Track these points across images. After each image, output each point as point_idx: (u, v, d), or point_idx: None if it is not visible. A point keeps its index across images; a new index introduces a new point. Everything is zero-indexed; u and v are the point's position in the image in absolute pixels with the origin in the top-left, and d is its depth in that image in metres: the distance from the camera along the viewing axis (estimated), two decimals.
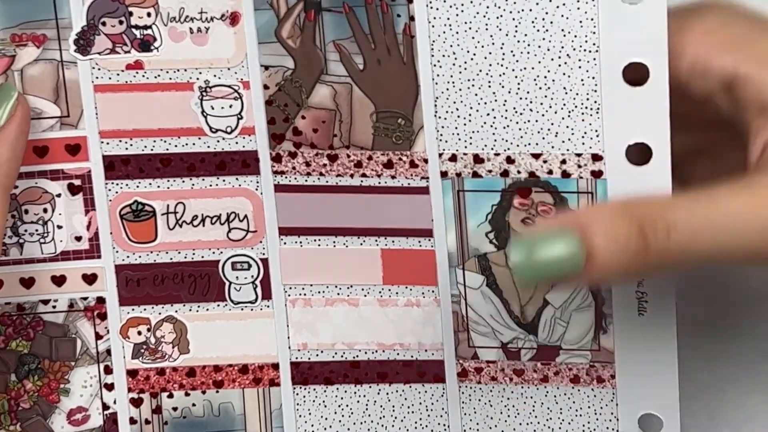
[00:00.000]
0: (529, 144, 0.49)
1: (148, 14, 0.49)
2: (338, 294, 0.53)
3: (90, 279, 0.53)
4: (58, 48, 0.50)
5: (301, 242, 0.52)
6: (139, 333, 0.53)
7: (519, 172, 0.49)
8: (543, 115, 0.48)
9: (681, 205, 0.45)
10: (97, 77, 0.50)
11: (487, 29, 0.47)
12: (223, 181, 0.51)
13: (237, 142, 0.51)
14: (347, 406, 0.54)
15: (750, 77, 0.47)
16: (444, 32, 0.48)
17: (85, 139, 0.51)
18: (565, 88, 0.48)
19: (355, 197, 0.51)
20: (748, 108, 0.47)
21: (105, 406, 0.54)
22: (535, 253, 0.44)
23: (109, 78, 0.50)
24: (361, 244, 0.52)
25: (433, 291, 0.52)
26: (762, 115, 0.47)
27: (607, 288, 0.50)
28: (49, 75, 0.50)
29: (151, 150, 0.51)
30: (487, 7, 0.47)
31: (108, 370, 0.53)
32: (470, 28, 0.48)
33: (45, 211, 0.52)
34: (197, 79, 0.50)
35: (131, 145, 0.51)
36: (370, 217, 0.51)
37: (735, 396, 0.61)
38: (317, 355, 0.53)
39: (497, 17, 0.47)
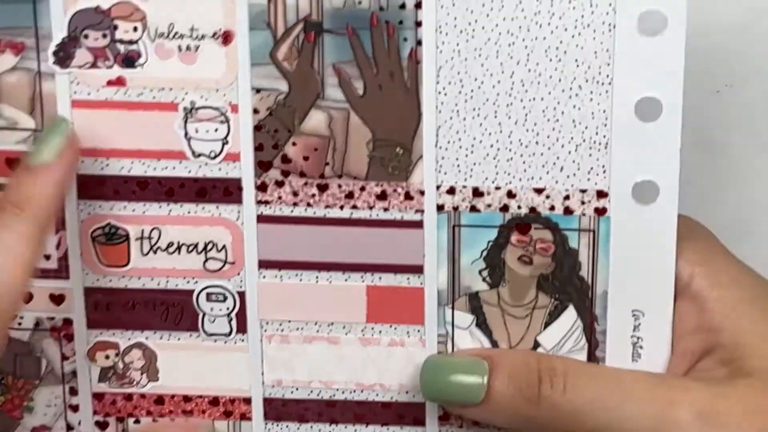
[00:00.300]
0: (533, 178, 0.45)
1: (135, 29, 0.44)
2: (317, 331, 0.48)
3: (57, 299, 0.48)
4: (36, 58, 0.45)
5: (281, 276, 0.47)
6: (107, 357, 0.49)
7: (519, 207, 0.46)
8: (549, 148, 0.45)
9: (588, 371, 0.46)
10: (75, 92, 0.45)
11: (497, 57, 0.44)
12: (203, 208, 0.47)
13: (220, 169, 0.46)
14: None
15: (699, 292, 0.46)
16: (452, 58, 0.44)
17: None
18: (574, 120, 0.44)
19: (343, 230, 0.46)
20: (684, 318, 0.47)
21: (69, 427, 0.50)
22: (443, 374, 0.46)
23: (88, 93, 0.45)
24: (346, 280, 0.47)
25: (418, 330, 0.48)
26: (696, 334, 0.46)
27: (602, 330, 0.47)
28: (25, 85, 0.45)
29: (128, 172, 0.46)
30: (500, 34, 0.43)
31: (73, 392, 0.49)
32: (480, 55, 0.44)
33: None
34: (182, 99, 0.45)
35: (107, 165, 0.46)
36: (358, 252, 0.47)
37: None
38: (292, 392, 0.49)
39: (509, 44, 0.43)
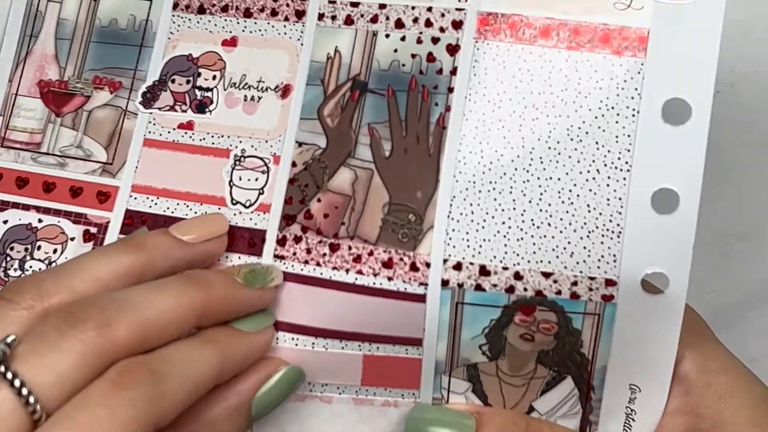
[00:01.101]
0: (542, 261, 0.40)
1: (214, 77, 0.45)
2: (311, 391, 0.43)
3: None
4: (127, 97, 0.46)
5: (277, 338, 0.43)
6: None
7: (525, 289, 0.40)
8: (561, 231, 0.40)
9: None
10: (149, 131, 0.46)
11: (520, 130, 0.40)
12: (226, 258, 0.44)
13: (251, 219, 0.44)
14: None
15: (686, 375, 0.42)
16: (476, 127, 0.41)
17: (117, 190, 0.45)
18: (589, 205, 0.39)
19: (345, 296, 0.42)
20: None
21: None
22: (426, 425, 0.42)
23: (160, 134, 0.45)
24: (343, 348, 0.42)
25: (413, 393, 0.42)
26: (677, 415, 0.42)
27: (598, 399, 0.41)
28: (110, 121, 0.46)
29: (172, 213, 0.45)
30: (525, 108, 0.40)
31: None
32: (503, 127, 0.41)
33: (55, 251, 0.45)
34: (236, 147, 0.44)
35: (155, 203, 0.45)
36: (358, 321, 0.42)
37: None
38: None
39: (533, 119, 0.40)
